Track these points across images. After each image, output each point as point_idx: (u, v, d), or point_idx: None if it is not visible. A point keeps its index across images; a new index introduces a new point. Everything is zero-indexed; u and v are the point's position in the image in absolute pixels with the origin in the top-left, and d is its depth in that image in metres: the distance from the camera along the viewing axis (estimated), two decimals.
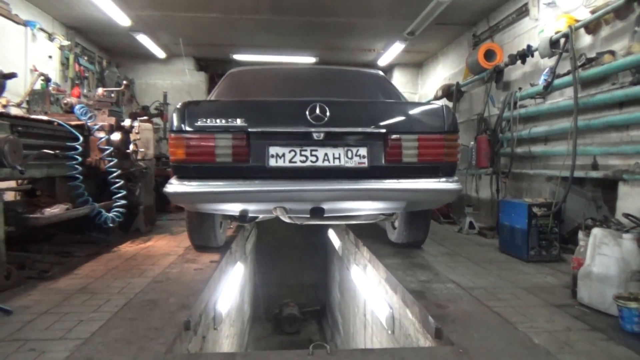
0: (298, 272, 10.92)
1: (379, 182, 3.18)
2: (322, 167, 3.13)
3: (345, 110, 3.27)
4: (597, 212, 4.53)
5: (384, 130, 3.19)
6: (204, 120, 3.08)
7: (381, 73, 4.68)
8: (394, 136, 3.20)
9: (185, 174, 3.14)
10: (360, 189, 3.14)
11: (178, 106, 3.19)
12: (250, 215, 3.94)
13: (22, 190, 4.80)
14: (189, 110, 3.14)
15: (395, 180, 3.19)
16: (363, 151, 3.17)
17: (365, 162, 3.17)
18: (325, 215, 3.46)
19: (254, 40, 8.94)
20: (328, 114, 3.11)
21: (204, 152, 3.09)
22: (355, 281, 5.74)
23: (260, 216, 4.22)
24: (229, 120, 3.08)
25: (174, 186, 3.11)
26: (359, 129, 3.20)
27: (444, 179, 3.28)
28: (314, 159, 3.13)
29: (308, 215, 3.47)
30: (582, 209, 4.66)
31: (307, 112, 3.10)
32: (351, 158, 3.15)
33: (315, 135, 3.10)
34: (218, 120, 3.08)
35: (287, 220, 3.52)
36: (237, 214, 3.69)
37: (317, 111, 3.10)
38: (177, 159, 3.12)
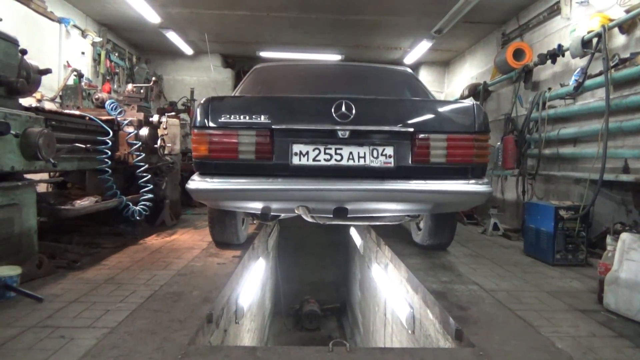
0: (319, 269, 10.97)
1: (405, 183, 3.08)
2: (346, 167, 3.07)
3: (371, 108, 3.19)
4: (626, 216, 4.42)
5: (411, 129, 3.09)
6: (228, 116, 3.03)
7: (409, 70, 4.56)
8: (421, 135, 3.10)
9: (207, 170, 3.12)
10: (385, 190, 3.06)
11: (202, 101, 3.16)
12: (272, 213, 3.93)
13: (54, 182, 4.96)
14: (213, 106, 3.10)
15: (422, 182, 3.10)
16: (389, 150, 3.09)
17: (391, 162, 3.08)
18: (348, 215, 3.39)
19: (280, 37, 8.99)
20: (354, 111, 3.04)
21: (227, 149, 3.05)
22: (376, 280, 5.74)
23: (282, 214, 4.20)
24: (253, 116, 3.03)
25: (196, 182, 3.09)
26: (386, 128, 3.10)
27: (473, 181, 3.18)
28: (338, 157, 3.06)
29: (331, 215, 3.39)
30: (611, 213, 4.55)
31: (332, 110, 3.04)
32: (377, 157, 3.07)
33: (340, 134, 3.03)
34: (242, 117, 3.03)
35: (310, 219, 3.47)
36: (259, 212, 3.66)
37: (343, 109, 3.03)
38: (200, 155, 3.09)
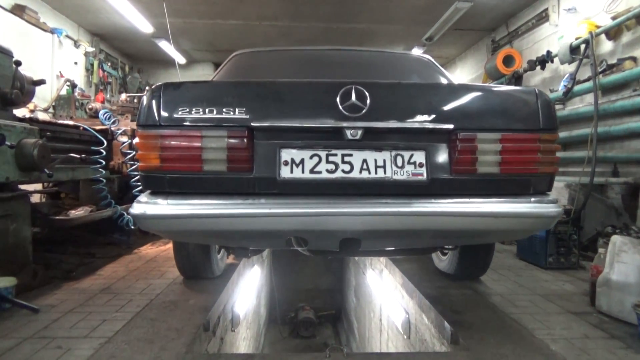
0: (314, 276, 10.96)
1: (444, 204, 2.16)
2: (359, 181, 2.14)
3: (392, 96, 2.26)
4: (617, 219, 4.48)
5: (450, 126, 2.17)
6: (187, 109, 2.11)
7: (428, 57, 3.57)
8: (465, 135, 2.18)
9: (159, 187, 2.16)
10: (416, 213, 2.14)
11: (152, 88, 2.23)
12: (252, 248, 3.12)
13: (48, 192, 4.94)
14: (166, 95, 2.16)
15: (467, 200, 2.18)
16: (420, 157, 2.18)
17: (423, 174, 2.17)
18: (361, 249, 2.51)
19: (272, 46, 9.03)
20: (368, 101, 2.12)
21: (186, 157, 2.12)
22: (371, 286, 5.76)
23: (268, 247, 3.30)
24: (224, 109, 2.12)
25: (142, 205, 2.10)
26: (414, 124, 2.18)
27: (535, 199, 2.22)
28: (347, 167, 2.15)
29: (337, 250, 2.47)
30: (602, 216, 4.61)
31: (338, 99, 2.12)
32: (402, 167, 2.17)
33: (349, 133, 2.12)
34: (207, 110, 2.12)
35: (307, 254, 2.60)
36: (235, 245, 2.94)
37: (353, 98, 2.12)
38: (148, 165, 2.14)
